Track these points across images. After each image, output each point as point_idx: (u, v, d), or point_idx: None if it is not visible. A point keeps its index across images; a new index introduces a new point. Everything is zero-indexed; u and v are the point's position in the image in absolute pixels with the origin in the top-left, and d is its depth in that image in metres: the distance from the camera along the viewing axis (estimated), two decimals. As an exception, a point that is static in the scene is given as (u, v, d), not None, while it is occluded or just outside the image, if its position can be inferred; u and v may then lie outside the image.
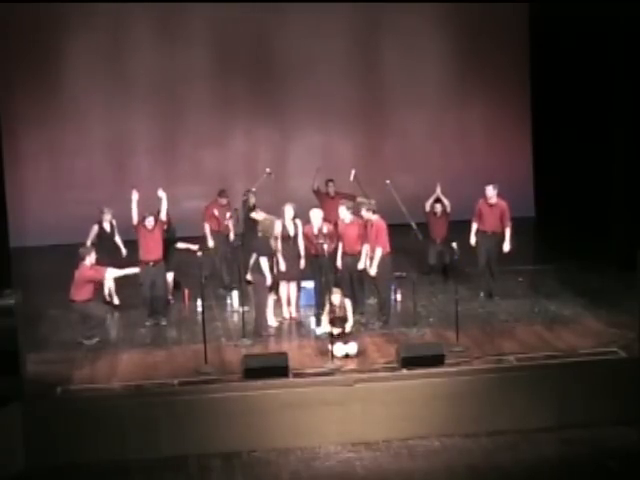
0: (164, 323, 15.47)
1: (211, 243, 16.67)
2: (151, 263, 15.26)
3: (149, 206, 15.45)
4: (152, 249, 15.27)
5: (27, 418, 12.60)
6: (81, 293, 14.50)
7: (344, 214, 15.22)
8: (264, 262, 14.71)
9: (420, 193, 18.00)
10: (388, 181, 16.22)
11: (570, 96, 20.06)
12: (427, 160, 21.54)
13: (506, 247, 15.96)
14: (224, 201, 16.82)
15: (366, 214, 15.00)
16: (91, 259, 14.65)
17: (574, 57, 19.72)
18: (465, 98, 21.57)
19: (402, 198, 15.82)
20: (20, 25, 20.08)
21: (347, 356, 13.74)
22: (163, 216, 15.41)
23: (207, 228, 16.76)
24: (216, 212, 16.69)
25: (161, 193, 15.35)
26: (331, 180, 17.58)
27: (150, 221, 15.21)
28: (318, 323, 14.95)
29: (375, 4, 20.76)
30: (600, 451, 12.76)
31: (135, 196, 15.27)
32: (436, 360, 13.37)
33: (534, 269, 18.00)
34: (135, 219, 15.30)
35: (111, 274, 14.83)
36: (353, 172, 16.77)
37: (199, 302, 15.02)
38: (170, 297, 16.16)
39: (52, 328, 15.44)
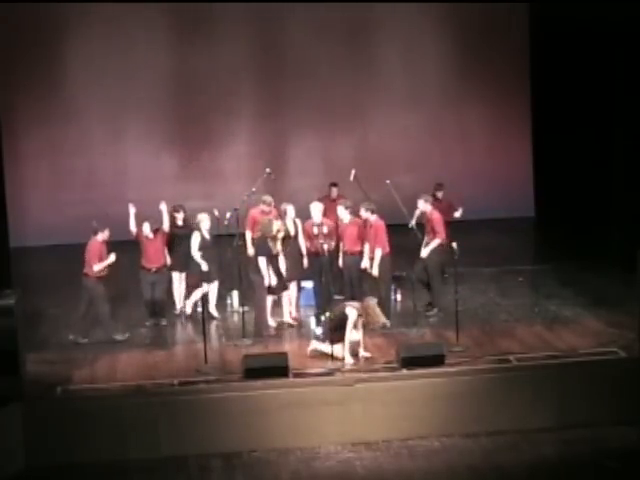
0: (164, 323, 15.48)
1: (251, 251, 15.61)
2: (153, 269, 15.30)
3: (148, 208, 15.48)
4: (152, 257, 15.31)
5: (27, 418, 12.59)
6: (93, 269, 14.54)
7: (342, 213, 15.25)
8: (262, 262, 14.69)
9: (420, 193, 17.97)
10: (388, 181, 16.20)
11: (570, 96, 20.03)
12: (427, 160, 21.54)
13: (422, 253, 15.43)
14: (268, 208, 15.86)
15: (365, 214, 15.05)
16: (103, 235, 14.69)
17: (574, 57, 19.69)
18: (465, 98, 21.56)
19: (402, 198, 15.79)
20: (20, 25, 20.08)
21: (357, 354, 13.70)
22: (165, 227, 15.37)
23: (249, 235, 15.83)
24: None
25: (162, 206, 15.38)
26: (335, 185, 17.37)
27: (148, 228, 15.23)
28: (318, 323, 14.96)
29: (375, 4, 20.75)
30: (600, 451, 12.75)
31: (132, 210, 15.25)
32: (436, 360, 13.37)
33: (534, 269, 18.00)
34: (133, 231, 15.31)
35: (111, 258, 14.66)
36: (353, 172, 16.74)
37: (199, 302, 15.00)
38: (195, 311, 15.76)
39: (52, 328, 15.43)
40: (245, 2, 20.44)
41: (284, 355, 13.40)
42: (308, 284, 15.69)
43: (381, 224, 15.02)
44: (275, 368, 13.15)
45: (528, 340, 14.35)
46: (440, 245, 15.37)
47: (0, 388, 12.61)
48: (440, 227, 15.41)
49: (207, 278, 15.39)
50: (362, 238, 15.13)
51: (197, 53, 20.84)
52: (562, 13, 19.26)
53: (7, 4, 18.95)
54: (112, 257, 14.66)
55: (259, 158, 20.77)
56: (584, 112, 19.58)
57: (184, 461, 12.67)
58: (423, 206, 15.62)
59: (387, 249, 15.00)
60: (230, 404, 12.93)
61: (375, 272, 14.83)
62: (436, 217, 15.52)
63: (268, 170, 17.19)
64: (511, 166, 21.72)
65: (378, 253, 14.85)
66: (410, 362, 13.30)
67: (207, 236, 15.52)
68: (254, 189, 16.73)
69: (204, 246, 15.43)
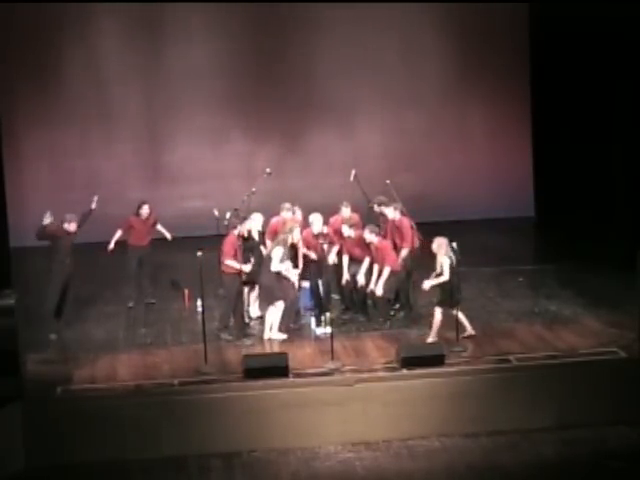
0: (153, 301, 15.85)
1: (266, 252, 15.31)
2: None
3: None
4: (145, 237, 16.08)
5: (27, 418, 12.60)
6: (228, 265, 14.48)
7: (347, 232, 15.07)
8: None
9: (420, 193, 18.01)
10: (388, 181, 16.21)
11: (570, 96, 20.03)
12: (427, 160, 21.53)
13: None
14: (289, 214, 15.59)
15: (369, 237, 14.77)
16: (241, 229, 14.64)
17: (574, 57, 19.69)
18: (465, 98, 21.55)
19: (402, 198, 15.80)
20: (20, 25, 20.08)
21: None
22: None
23: (268, 244, 15.37)
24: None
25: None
26: (346, 205, 16.89)
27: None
28: (318, 323, 14.96)
29: (375, 4, 20.75)
30: (600, 451, 12.76)
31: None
32: (436, 360, 13.38)
33: (534, 269, 17.99)
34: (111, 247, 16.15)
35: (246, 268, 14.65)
36: (353, 172, 16.74)
37: (199, 302, 15.02)
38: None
39: (52, 328, 15.41)
40: (245, 2, 20.45)
41: (284, 355, 13.40)
42: (308, 284, 15.67)
43: (386, 244, 14.87)
44: (275, 368, 13.16)
45: (528, 340, 14.36)
46: (392, 272, 14.73)
47: (0, 388, 12.61)
48: (390, 255, 14.77)
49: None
50: (365, 250, 14.94)
51: (197, 53, 20.82)
52: (562, 13, 19.29)
53: (7, 4, 18.95)
54: (248, 267, 14.56)
55: (259, 158, 20.78)
56: (584, 112, 19.59)
57: (184, 461, 12.69)
58: (369, 237, 14.86)
59: (396, 267, 14.84)
60: (230, 404, 12.94)
61: (379, 291, 14.68)
62: (384, 246, 14.86)
63: (268, 170, 17.20)
64: (511, 166, 21.70)
65: (386, 272, 14.63)
66: (410, 362, 13.31)
67: (256, 237, 15.31)
68: (254, 189, 16.73)
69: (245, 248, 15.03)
